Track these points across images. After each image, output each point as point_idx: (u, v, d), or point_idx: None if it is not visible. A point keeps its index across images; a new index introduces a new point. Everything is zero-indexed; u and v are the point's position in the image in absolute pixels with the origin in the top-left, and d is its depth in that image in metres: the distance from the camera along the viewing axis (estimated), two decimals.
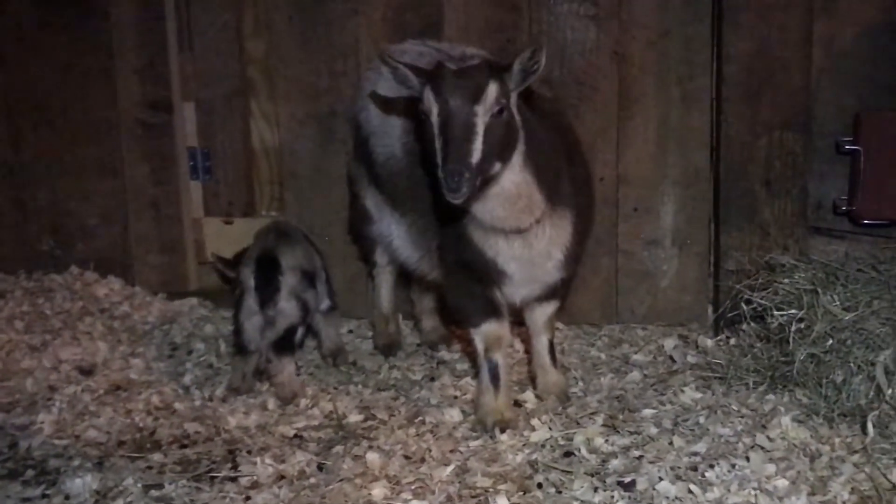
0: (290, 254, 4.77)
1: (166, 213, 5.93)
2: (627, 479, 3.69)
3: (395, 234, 4.78)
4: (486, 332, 4.32)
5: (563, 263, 4.23)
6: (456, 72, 3.74)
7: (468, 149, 3.60)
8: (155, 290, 5.96)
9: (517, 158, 3.81)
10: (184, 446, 4.25)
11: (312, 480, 3.88)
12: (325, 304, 5.10)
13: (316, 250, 5.10)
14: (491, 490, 3.71)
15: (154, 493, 3.82)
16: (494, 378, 4.32)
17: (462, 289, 4.35)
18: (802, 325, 4.35)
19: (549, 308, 4.57)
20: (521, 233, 4.01)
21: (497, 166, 3.71)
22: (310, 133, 5.61)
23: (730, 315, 4.99)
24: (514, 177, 3.83)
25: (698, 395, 4.43)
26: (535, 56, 3.77)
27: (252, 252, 4.80)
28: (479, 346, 4.35)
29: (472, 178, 3.57)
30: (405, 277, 5.19)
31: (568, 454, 3.98)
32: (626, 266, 5.46)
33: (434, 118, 3.67)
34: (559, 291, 4.51)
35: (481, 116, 3.65)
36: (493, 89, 3.68)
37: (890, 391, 3.96)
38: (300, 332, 4.80)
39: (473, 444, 4.14)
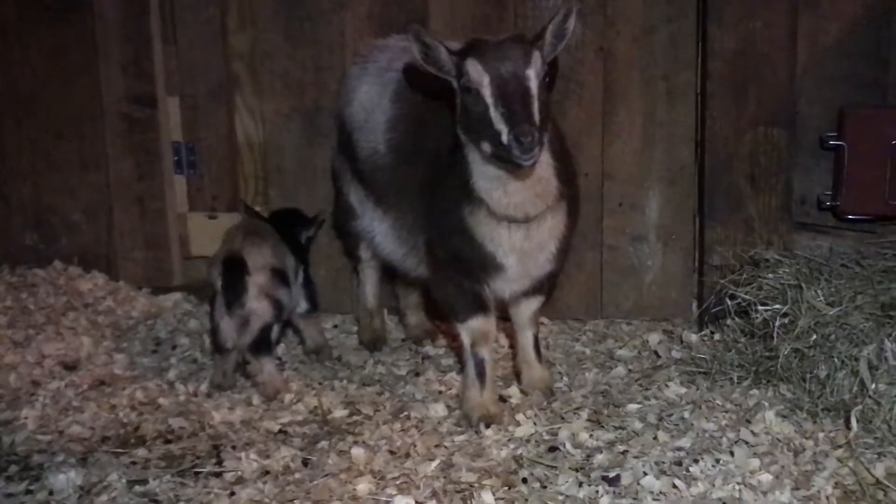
0: (257, 253, 4.71)
1: (150, 208, 5.90)
2: (612, 474, 3.70)
3: (378, 230, 4.77)
4: (473, 327, 4.32)
5: (554, 256, 4.26)
6: (498, 42, 3.80)
7: (531, 110, 3.66)
8: (139, 285, 5.94)
9: (545, 137, 3.81)
10: (168, 441, 4.24)
11: (297, 476, 3.88)
12: (304, 306, 5.10)
13: (293, 250, 5.06)
14: (476, 485, 3.71)
15: (138, 488, 3.82)
16: (480, 373, 4.33)
17: (450, 284, 4.34)
18: (786, 321, 4.36)
19: (535, 303, 4.58)
20: (528, 222, 4.03)
21: (545, 136, 3.73)
22: (295, 128, 5.60)
23: (714, 310, 5.00)
24: (543, 156, 3.84)
25: (683, 390, 4.44)
26: (567, 20, 3.81)
27: (219, 253, 4.79)
28: (466, 340, 4.35)
29: (540, 139, 3.61)
30: (390, 273, 5.18)
31: (553, 449, 3.98)
32: (611, 261, 5.46)
33: (486, 88, 3.70)
34: (545, 286, 4.52)
35: (534, 80, 3.72)
36: (537, 55, 3.75)
37: (874, 386, 3.97)
38: (275, 330, 4.75)
39: (458, 439, 4.14)
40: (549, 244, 4.19)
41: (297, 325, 5.14)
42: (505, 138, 3.61)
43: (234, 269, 4.61)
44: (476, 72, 3.73)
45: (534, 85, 3.72)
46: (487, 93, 3.70)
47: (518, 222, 4.03)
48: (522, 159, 3.60)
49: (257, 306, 4.64)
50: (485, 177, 3.94)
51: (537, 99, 3.71)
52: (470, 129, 3.84)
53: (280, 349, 5.12)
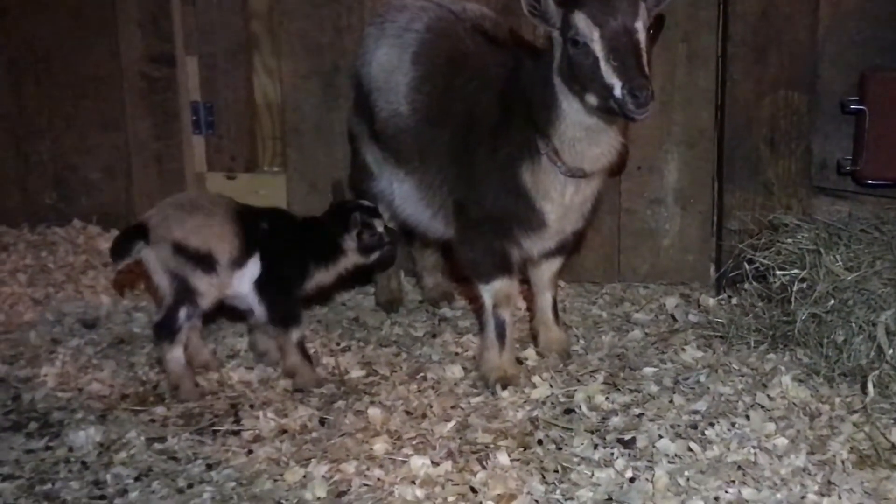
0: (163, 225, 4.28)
1: (169, 168, 5.91)
2: (627, 437, 3.72)
3: (398, 191, 4.76)
4: (497, 288, 4.33)
5: (588, 213, 4.34)
6: None
7: (643, 63, 3.67)
8: None
9: None
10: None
11: (314, 435, 3.91)
12: (259, 313, 4.47)
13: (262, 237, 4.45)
14: (491, 446, 3.73)
15: (157, 445, 3.85)
16: (500, 335, 4.34)
17: (479, 244, 4.35)
18: (804, 285, 4.36)
19: (556, 264, 4.60)
20: (585, 177, 4.09)
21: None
22: (313, 88, 5.58)
23: (732, 274, 4.99)
24: None
25: (699, 354, 4.45)
26: None
27: None
28: (488, 302, 4.36)
29: (653, 93, 3.61)
30: (407, 234, 5.18)
31: (568, 411, 4.00)
32: (629, 225, 5.44)
33: (596, 40, 3.68)
34: (569, 245, 4.57)
35: (642, 33, 3.72)
36: (643, 7, 3.75)
37: (891, 351, 3.98)
38: (182, 313, 4.28)
39: (474, 400, 4.16)
40: (588, 201, 4.26)
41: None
42: (618, 92, 3.61)
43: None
44: (585, 24, 3.70)
45: (642, 37, 3.71)
46: (598, 46, 3.68)
47: (578, 177, 4.08)
48: (637, 113, 3.61)
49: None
50: (579, 128, 3.95)
51: (645, 51, 3.72)
52: (575, 81, 3.82)
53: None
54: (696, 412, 3.90)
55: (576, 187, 4.13)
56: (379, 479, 3.56)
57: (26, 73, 6.03)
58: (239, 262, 4.36)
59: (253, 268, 4.40)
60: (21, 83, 6.05)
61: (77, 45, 5.91)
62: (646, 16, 3.75)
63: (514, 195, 4.17)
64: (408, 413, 4.05)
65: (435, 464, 3.62)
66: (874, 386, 3.93)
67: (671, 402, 4.00)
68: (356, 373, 4.46)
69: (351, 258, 4.61)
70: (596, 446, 3.70)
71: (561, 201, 4.15)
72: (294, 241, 4.54)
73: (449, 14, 4.63)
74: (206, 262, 4.26)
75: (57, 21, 5.91)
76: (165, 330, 4.26)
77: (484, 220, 4.29)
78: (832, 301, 4.24)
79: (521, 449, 3.72)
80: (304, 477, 3.59)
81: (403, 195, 4.72)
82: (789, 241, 4.60)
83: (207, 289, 4.29)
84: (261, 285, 4.41)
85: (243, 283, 4.41)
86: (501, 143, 4.18)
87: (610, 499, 3.41)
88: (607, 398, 4.08)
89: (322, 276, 4.59)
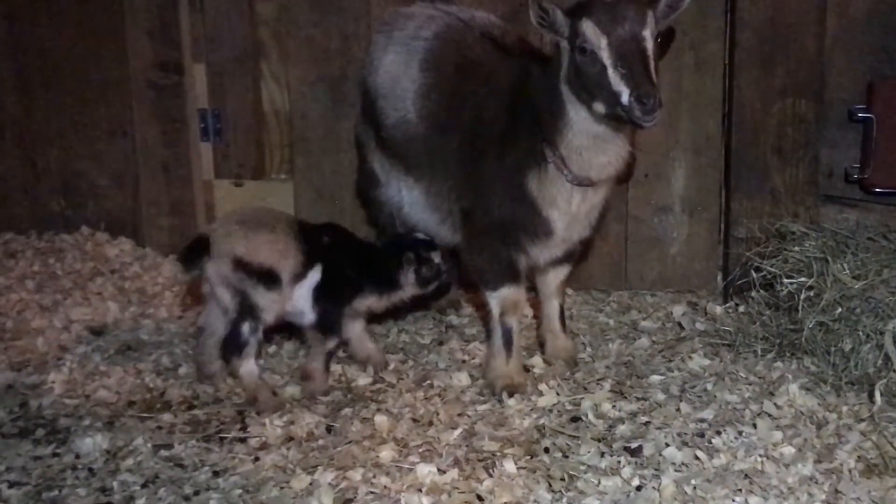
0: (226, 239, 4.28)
1: (176, 175, 5.93)
2: (634, 445, 3.71)
3: (407, 198, 4.76)
4: (504, 295, 4.33)
5: (595, 221, 4.34)
6: (614, 2, 3.79)
7: (651, 71, 3.68)
8: (165, 251, 5.96)
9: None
10: (193, 407, 4.27)
11: (321, 442, 3.90)
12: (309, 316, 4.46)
13: (318, 251, 4.44)
14: (498, 454, 3.73)
15: (164, 452, 3.85)
16: (507, 342, 4.35)
17: (486, 251, 4.35)
18: (812, 294, 4.35)
19: (563, 272, 4.61)
20: (592, 185, 4.09)
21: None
22: (320, 96, 5.60)
23: (739, 282, 4.98)
24: None
25: (706, 362, 4.44)
26: None
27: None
28: (495, 309, 4.36)
29: (660, 100, 3.62)
30: None
31: (575, 419, 3.99)
32: (636, 232, 5.45)
33: (604, 48, 3.70)
34: (576, 253, 4.57)
35: (650, 41, 3.73)
36: (652, 15, 3.76)
37: None
38: (245, 328, 4.26)
39: (481, 408, 4.16)
40: (596, 209, 4.27)
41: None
42: (626, 99, 3.62)
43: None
44: (593, 32, 3.71)
45: (650, 45, 3.72)
46: (605, 54, 3.69)
47: (585, 185, 4.08)
48: (645, 120, 3.62)
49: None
50: (586, 136, 3.96)
51: (654, 59, 3.72)
52: (582, 89, 3.83)
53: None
54: (703, 420, 3.89)
55: (583, 195, 4.13)
56: (385, 487, 3.55)
57: (34, 80, 6.05)
58: (299, 277, 4.36)
59: (313, 278, 4.39)
60: (29, 90, 6.07)
61: (85, 53, 5.93)
62: (654, 24, 3.75)
63: (521, 203, 4.18)
64: (414, 420, 4.05)
65: (441, 471, 3.61)
66: (882, 394, 3.93)
67: (678, 410, 3.99)
68: (363, 380, 4.46)
69: (408, 291, 4.61)
70: (603, 454, 3.69)
71: (568, 209, 4.16)
72: (353, 257, 4.53)
73: (457, 22, 4.64)
74: (268, 278, 4.26)
75: (65, 28, 5.93)
76: (232, 345, 4.26)
77: (491, 228, 4.30)
78: (839, 309, 4.23)
79: (528, 457, 3.71)
80: (311, 484, 3.58)
81: (412, 201, 4.72)
82: (796, 249, 4.59)
83: (269, 304, 4.27)
84: (317, 292, 4.40)
85: (302, 295, 4.40)
86: (509, 151, 4.18)
87: None
88: (614, 406, 4.07)
89: (374, 302, 4.58)
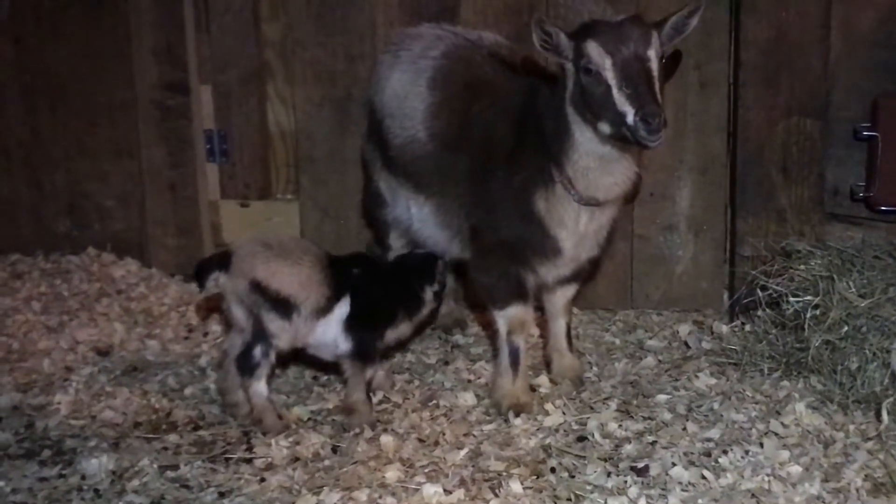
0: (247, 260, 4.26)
1: (183, 196, 5.94)
2: (641, 465, 3.70)
3: (416, 215, 4.75)
4: (512, 314, 4.33)
5: (603, 240, 4.35)
6: (618, 22, 3.82)
7: (655, 91, 3.68)
8: (171, 272, 5.97)
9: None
10: (199, 427, 4.28)
11: (327, 462, 3.90)
12: (343, 347, 4.40)
13: (351, 283, 4.40)
14: (504, 474, 3.72)
15: (170, 473, 3.85)
16: (514, 362, 4.34)
17: (494, 270, 4.36)
18: (818, 312, 4.35)
19: (570, 290, 4.61)
20: (599, 205, 4.10)
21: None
22: (326, 116, 5.61)
23: (745, 301, 4.98)
24: None
25: (713, 381, 4.44)
26: (692, 16, 3.87)
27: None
28: (502, 328, 4.36)
29: (665, 120, 3.62)
30: None
31: (581, 439, 3.99)
32: (642, 251, 5.45)
33: (609, 69, 3.71)
34: (583, 272, 4.56)
35: (654, 61, 3.74)
36: (657, 36, 3.77)
37: None
38: (258, 351, 4.23)
39: (487, 427, 4.15)
40: (604, 229, 4.28)
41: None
42: (630, 119, 3.62)
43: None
44: (597, 53, 3.73)
45: (655, 66, 3.74)
46: (610, 74, 3.70)
47: (592, 205, 4.09)
48: (650, 140, 3.63)
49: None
50: (592, 157, 3.97)
51: (658, 80, 3.73)
52: (587, 110, 3.84)
53: None
54: (709, 440, 3.88)
55: (590, 215, 4.14)
56: None
57: (41, 101, 6.07)
58: (325, 311, 4.31)
59: (341, 311, 4.34)
60: (36, 111, 6.09)
61: (92, 73, 5.95)
62: (658, 45, 3.76)
63: (529, 222, 4.18)
64: (420, 441, 4.05)
65: (447, 492, 3.61)
66: (889, 413, 3.91)
67: (684, 429, 3.98)
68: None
69: (425, 310, 4.65)
70: (609, 474, 3.68)
71: (576, 229, 4.16)
72: (385, 286, 4.51)
73: (465, 42, 4.66)
74: (282, 306, 4.21)
75: (72, 49, 5.95)
76: (244, 365, 4.23)
77: (499, 246, 4.30)
78: (846, 328, 4.23)
79: (534, 477, 3.71)
80: None
81: (421, 218, 4.71)
82: (802, 267, 4.59)
83: (280, 333, 4.22)
84: (349, 323, 4.34)
85: (329, 329, 4.35)
86: (517, 170, 4.19)
87: None
88: (620, 426, 4.07)
89: (404, 328, 4.59)
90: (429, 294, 4.60)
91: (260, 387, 4.24)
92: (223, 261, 4.25)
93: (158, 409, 4.44)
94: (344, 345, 4.36)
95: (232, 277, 4.23)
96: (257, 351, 4.21)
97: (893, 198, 4.96)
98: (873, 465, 3.66)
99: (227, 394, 4.40)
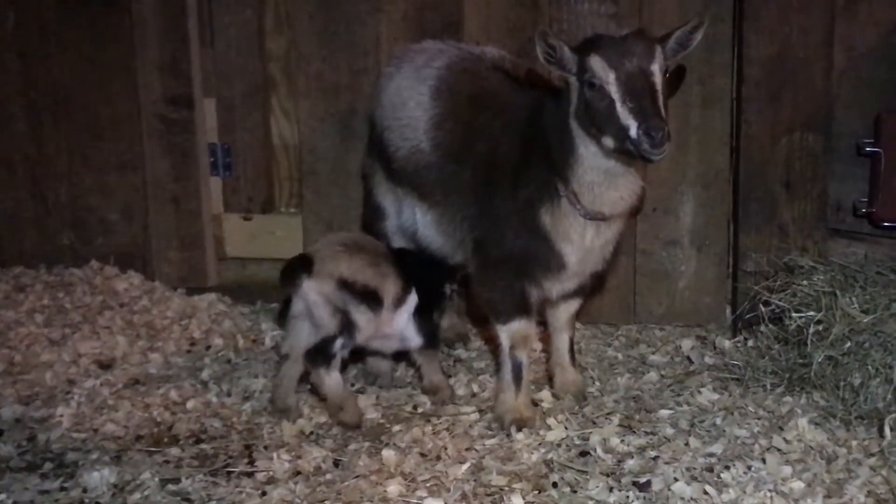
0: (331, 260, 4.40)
1: (186, 209, 5.96)
2: (643, 480, 3.69)
3: (421, 223, 4.74)
4: (515, 329, 4.32)
5: (609, 255, 4.34)
6: (622, 37, 3.83)
7: (659, 104, 3.69)
8: (174, 285, 5.98)
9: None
10: (201, 441, 4.27)
11: (328, 476, 3.89)
12: (413, 335, 4.61)
13: (415, 278, 4.59)
14: (506, 489, 3.71)
15: (171, 487, 3.84)
16: (517, 376, 4.33)
17: (498, 284, 4.35)
18: (820, 328, 4.35)
19: (574, 305, 4.60)
20: (605, 220, 4.10)
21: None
22: (330, 130, 5.63)
23: (748, 316, 4.98)
24: None
25: (715, 397, 4.43)
26: (695, 32, 3.87)
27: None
28: (505, 343, 4.35)
29: (669, 134, 3.62)
30: None
31: (584, 454, 3.98)
32: (645, 266, 5.45)
33: (612, 83, 3.72)
34: (588, 287, 4.55)
35: (658, 75, 3.75)
36: (660, 51, 3.78)
37: None
38: (339, 343, 4.33)
39: (489, 442, 4.14)
40: (610, 244, 4.27)
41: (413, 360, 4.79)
42: (634, 133, 3.63)
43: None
44: (601, 67, 3.74)
45: (658, 80, 3.74)
46: (613, 88, 3.71)
47: (597, 220, 4.08)
48: (653, 154, 3.63)
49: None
50: (597, 171, 3.97)
51: (662, 94, 3.74)
52: (591, 124, 3.84)
53: None
54: (712, 455, 3.87)
55: (596, 230, 4.13)
56: None
57: (45, 115, 6.09)
58: (401, 301, 4.49)
59: (412, 302, 4.54)
60: (40, 124, 6.11)
61: (96, 87, 5.97)
62: (662, 59, 3.77)
63: (534, 236, 4.18)
64: (422, 455, 4.04)
65: None
66: (891, 429, 3.90)
67: (687, 444, 3.97)
68: (371, 414, 4.46)
69: (445, 304, 4.83)
70: (611, 489, 3.67)
71: (581, 244, 4.15)
72: (434, 276, 4.72)
73: (469, 55, 4.67)
74: (371, 299, 4.37)
75: (76, 63, 5.98)
76: (322, 356, 4.31)
77: (504, 260, 4.29)
78: (848, 343, 4.22)
79: (536, 492, 3.70)
80: None
81: (426, 225, 4.71)
82: (805, 283, 4.59)
83: (367, 324, 4.37)
84: (418, 315, 4.56)
85: (401, 319, 4.52)
86: (521, 185, 4.19)
87: None
88: (623, 441, 4.06)
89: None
90: (447, 290, 4.74)
91: (337, 377, 4.34)
92: (305, 264, 4.34)
93: (160, 423, 4.43)
94: (413, 333, 4.57)
95: (317, 278, 4.31)
96: (338, 343, 4.30)
97: None
98: (876, 482, 3.65)
99: (281, 399, 4.47)
